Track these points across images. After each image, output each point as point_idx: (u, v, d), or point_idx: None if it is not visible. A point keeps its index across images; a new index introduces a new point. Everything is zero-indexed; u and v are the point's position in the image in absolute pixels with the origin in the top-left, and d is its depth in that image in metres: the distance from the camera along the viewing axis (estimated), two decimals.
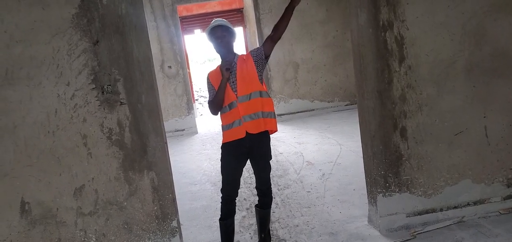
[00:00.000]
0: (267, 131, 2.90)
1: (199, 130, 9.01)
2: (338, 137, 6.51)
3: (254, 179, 3.06)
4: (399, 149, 3.10)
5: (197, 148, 7.38)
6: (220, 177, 2.95)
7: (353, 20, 3.15)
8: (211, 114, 2.91)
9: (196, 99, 13.44)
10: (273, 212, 3.79)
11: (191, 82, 10.31)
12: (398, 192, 3.14)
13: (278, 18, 2.88)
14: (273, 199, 3.73)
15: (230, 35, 2.87)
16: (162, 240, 2.92)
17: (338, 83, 8.75)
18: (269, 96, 2.91)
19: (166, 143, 2.94)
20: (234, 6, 10.37)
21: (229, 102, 2.82)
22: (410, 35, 2.99)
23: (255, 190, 3.05)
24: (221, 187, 2.92)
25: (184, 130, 8.78)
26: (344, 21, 8.39)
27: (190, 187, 5.07)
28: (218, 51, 2.88)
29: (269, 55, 2.89)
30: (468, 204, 3.19)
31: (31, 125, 2.69)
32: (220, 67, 2.85)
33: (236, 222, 3.45)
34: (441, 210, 3.18)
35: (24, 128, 2.69)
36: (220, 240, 3.01)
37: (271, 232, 3.32)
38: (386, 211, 3.15)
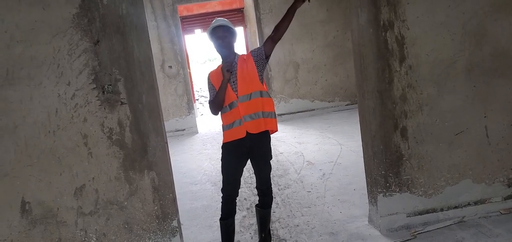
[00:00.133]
0: (268, 130, 2.90)
1: (199, 130, 9.01)
2: (339, 136, 6.52)
3: (254, 179, 3.06)
4: (400, 149, 3.10)
5: (198, 147, 7.39)
6: (221, 177, 2.95)
7: (353, 20, 3.15)
8: (212, 114, 2.91)
9: (197, 99, 13.44)
10: (274, 212, 3.79)
11: (191, 82, 10.31)
12: (398, 191, 3.14)
13: (279, 18, 2.88)
14: (274, 199, 3.73)
15: (231, 35, 2.87)
16: (163, 240, 2.92)
17: (338, 83, 8.75)
18: (270, 96, 2.91)
19: (166, 142, 2.94)
20: (234, 6, 10.36)
21: (230, 102, 2.82)
22: (411, 35, 2.99)
23: (256, 189, 3.05)
24: (221, 186, 2.92)
25: (184, 129, 8.79)
26: (345, 21, 8.39)
27: (191, 186, 5.07)
28: (219, 51, 2.88)
29: (269, 55, 2.89)
30: (469, 204, 3.19)
31: (31, 124, 2.69)
32: (221, 68, 2.85)
33: (236, 221, 3.45)
34: (442, 210, 3.18)
35: (24, 127, 2.69)
36: (220, 240, 3.01)
37: (271, 232, 3.32)
38: (387, 211, 3.15)
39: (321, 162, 5.29)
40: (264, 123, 2.84)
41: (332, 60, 8.67)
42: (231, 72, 2.80)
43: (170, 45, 8.48)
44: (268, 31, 8.30)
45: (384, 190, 3.13)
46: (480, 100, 3.09)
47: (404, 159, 3.10)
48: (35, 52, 2.64)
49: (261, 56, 2.85)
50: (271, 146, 2.98)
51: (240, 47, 11.00)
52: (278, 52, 8.31)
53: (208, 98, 2.97)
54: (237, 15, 10.25)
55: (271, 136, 2.98)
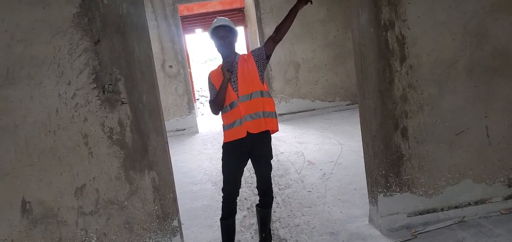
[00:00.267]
0: (268, 130, 2.90)
1: (200, 130, 9.01)
2: (339, 136, 6.51)
3: (255, 179, 3.06)
4: (400, 149, 3.09)
5: (198, 147, 7.39)
6: (221, 177, 2.94)
7: (354, 19, 3.14)
8: (212, 114, 2.91)
9: (197, 99, 13.44)
10: (274, 212, 3.79)
11: (192, 81, 10.31)
12: (399, 191, 3.14)
13: (279, 18, 2.88)
14: (274, 199, 3.74)
15: (233, 35, 2.87)
16: (163, 240, 2.92)
17: (339, 83, 8.75)
18: (270, 96, 2.90)
19: (167, 142, 2.94)
20: (235, 6, 10.36)
21: (230, 102, 2.82)
22: (412, 34, 2.98)
23: (256, 189, 3.05)
24: (222, 186, 2.91)
25: (185, 129, 8.79)
26: (345, 20, 8.39)
27: (191, 186, 5.07)
28: (220, 51, 2.88)
29: (270, 55, 2.88)
30: (469, 204, 3.19)
31: (32, 124, 2.69)
32: (222, 68, 2.85)
33: (237, 221, 3.45)
34: (442, 210, 3.18)
35: (25, 127, 2.69)
36: (221, 240, 3.01)
37: (272, 231, 3.32)
38: (387, 210, 3.15)
39: (322, 161, 5.29)
40: (264, 122, 2.84)
41: (333, 60, 8.66)
42: (232, 72, 2.80)
43: (171, 45, 8.48)
44: (268, 30, 8.30)
45: (385, 190, 3.13)
46: (481, 100, 3.08)
47: (404, 159, 3.10)
48: (35, 51, 2.64)
49: (262, 56, 2.84)
50: (272, 146, 2.98)
51: (240, 46, 11.00)
52: (278, 52, 8.31)
53: (209, 98, 2.96)
54: (238, 14, 10.25)
55: (272, 135, 2.97)
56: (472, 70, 3.05)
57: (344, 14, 8.43)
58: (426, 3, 2.96)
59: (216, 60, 23.64)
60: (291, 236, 3.34)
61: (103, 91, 2.73)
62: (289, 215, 3.75)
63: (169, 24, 8.42)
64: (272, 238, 3.26)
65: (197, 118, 9.62)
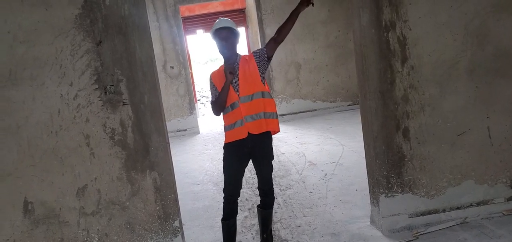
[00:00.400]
0: (269, 131, 2.90)
1: (201, 130, 9.02)
2: (340, 137, 6.51)
3: (256, 179, 3.06)
4: (402, 150, 3.09)
5: (199, 148, 7.39)
6: (222, 177, 2.95)
7: (355, 20, 3.15)
8: (214, 114, 2.91)
9: (198, 100, 13.45)
10: (275, 213, 3.79)
11: (193, 82, 10.32)
12: (400, 192, 3.13)
13: (280, 19, 2.88)
14: (275, 199, 3.74)
15: (235, 36, 2.87)
16: (164, 240, 2.92)
17: (340, 83, 8.74)
18: (271, 97, 2.91)
19: (168, 143, 2.95)
20: (236, 7, 10.37)
21: (231, 103, 2.82)
22: (413, 35, 2.98)
23: (257, 190, 3.05)
24: (223, 187, 2.92)
25: (186, 130, 8.80)
26: (346, 21, 8.39)
27: (192, 187, 5.08)
28: (221, 52, 2.89)
29: (271, 57, 2.89)
30: (471, 205, 3.18)
31: (34, 125, 2.70)
32: (224, 70, 2.86)
33: (238, 222, 3.45)
34: (444, 211, 3.18)
35: (27, 128, 2.70)
36: (222, 240, 3.01)
37: (273, 232, 3.32)
38: (389, 211, 3.15)
39: (323, 162, 5.29)
40: (265, 123, 2.84)
41: (334, 60, 8.66)
42: (234, 75, 2.80)
43: (172, 46, 8.50)
44: (269, 31, 8.31)
45: (386, 191, 3.13)
46: (483, 101, 3.08)
47: (406, 159, 3.10)
48: (37, 52, 2.65)
49: (263, 57, 2.85)
50: (273, 146, 2.98)
51: (241, 47, 11.02)
52: (279, 53, 8.31)
53: (210, 99, 2.97)
54: (239, 15, 10.25)
55: (273, 136, 2.98)
56: (474, 71, 3.04)
57: (345, 15, 8.43)
58: (427, 3, 2.96)
59: (217, 61, 23.66)
60: (292, 237, 3.34)
61: (105, 92, 2.74)
62: (290, 216, 3.75)
63: (171, 25, 8.43)
64: (273, 239, 3.26)
65: (198, 119, 9.62)
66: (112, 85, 2.74)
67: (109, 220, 2.85)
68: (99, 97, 2.74)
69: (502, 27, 3.02)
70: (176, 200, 2.97)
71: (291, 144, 6.55)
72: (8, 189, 2.73)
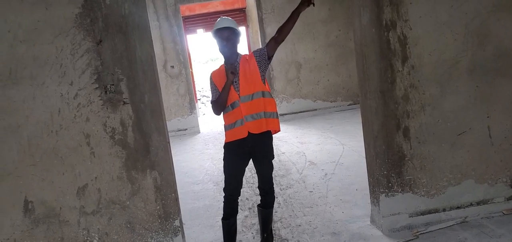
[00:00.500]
0: (270, 130, 2.90)
1: (201, 130, 9.02)
2: (341, 136, 6.51)
3: (256, 179, 3.06)
4: (402, 149, 3.09)
5: (200, 147, 7.39)
6: (223, 177, 2.95)
7: (356, 19, 3.14)
8: (214, 114, 2.91)
9: (199, 99, 13.45)
10: (276, 212, 3.79)
11: (193, 82, 10.31)
12: (400, 192, 3.13)
13: (281, 18, 2.88)
14: (276, 199, 3.74)
15: (236, 36, 2.87)
16: (165, 239, 2.92)
17: (340, 83, 8.74)
18: (272, 97, 2.91)
19: (168, 142, 2.95)
20: (236, 6, 10.36)
21: (232, 102, 2.82)
22: (413, 35, 2.98)
23: (258, 189, 3.05)
24: (223, 186, 2.92)
25: (186, 129, 8.80)
26: (347, 20, 8.38)
27: (193, 186, 5.08)
28: (222, 52, 2.88)
29: (272, 56, 2.89)
30: (471, 205, 3.18)
31: (34, 124, 2.70)
32: (225, 69, 2.85)
33: (238, 221, 3.45)
34: (444, 210, 3.17)
35: (27, 127, 2.70)
36: (222, 240, 3.01)
37: (273, 231, 3.32)
38: (389, 211, 3.15)
39: (323, 162, 5.29)
40: (265, 123, 2.84)
41: (334, 60, 8.66)
42: (235, 74, 2.80)
43: (172, 45, 8.49)
44: (270, 30, 8.30)
45: (386, 190, 3.13)
46: (483, 101, 3.08)
47: (406, 159, 3.10)
48: (38, 52, 2.65)
49: (264, 56, 2.85)
50: (273, 146, 2.98)
51: (242, 47, 11.02)
52: (280, 52, 8.30)
53: (210, 98, 2.97)
54: (239, 14, 10.24)
55: (274, 135, 2.98)
56: (474, 70, 3.04)
57: (346, 14, 8.43)
58: (427, 3, 2.96)
59: (217, 60, 23.65)
60: (292, 236, 3.34)
61: (105, 92, 2.74)
62: (290, 215, 3.75)
63: (171, 25, 8.43)
64: (274, 238, 3.26)
65: (198, 118, 9.62)
66: (113, 85, 2.74)
67: (109, 219, 2.85)
68: (99, 96, 2.74)
69: (503, 27, 3.01)
70: (177, 199, 2.97)
71: (292, 144, 6.55)
72: (8, 188, 2.73)
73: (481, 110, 3.09)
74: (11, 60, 2.64)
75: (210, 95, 2.98)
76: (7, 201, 2.74)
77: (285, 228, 3.51)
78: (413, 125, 3.07)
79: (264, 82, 2.87)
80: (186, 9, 10.00)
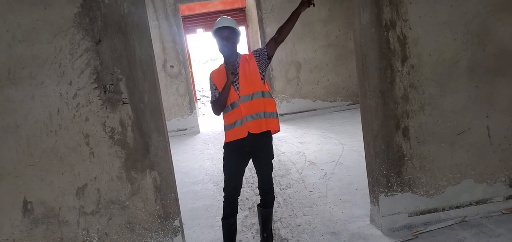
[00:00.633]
0: (269, 130, 2.90)
1: (201, 129, 9.01)
2: (341, 136, 6.51)
3: (256, 178, 3.06)
4: (402, 149, 3.09)
5: (199, 147, 7.39)
6: (222, 176, 2.95)
7: (355, 19, 3.14)
8: (214, 114, 2.91)
9: (198, 99, 13.45)
10: (275, 212, 3.79)
11: (193, 81, 10.31)
12: (400, 191, 3.13)
13: (281, 18, 2.88)
14: (275, 199, 3.73)
15: (236, 36, 2.87)
16: (165, 239, 2.92)
17: (340, 83, 8.74)
18: (272, 97, 2.91)
19: (168, 142, 2.94)
20: (236, 6, 10.36)
21: (232, 102, 2.82)
22: (413, 34, 2.98)
23: (257, 189, 3.05)
24: (223, 186, 2.91)
25: (186, 129, 8.79)
26: (347, 20, 8.38)
27: (193, 186, 5.08)
28: (222, 51, 2.88)
29: (272, 56, 2.89)
30: (470, 204, 3.18)
31: (33, 124, 2.70)
32: (225, 69, 2.85)
33: (238, 221, 3.45)
34: (443, 209, 3.17)
35: (26, 127, 2.69)
36: (222, 240, 3.01)
37: (273, 231, 3.32)
38: (388, 210, 3.14)
39: (323, 161, 5.29)
40: (265, 123, 2.84)
41: (334, 59, 8.66)
42: (235, 75, 2.80)
43: (172, 45, 8.49)
44: (270, 30, 8.30)
45: (386, 190, 3.13)
46: (482, 100, 3.08)
47: (406, 158, 3.10)
48: (36, 51, 2.65)
49: (264, 56, 2.85)
50: (273, 146, 2.98)
51: (242, 46, 11.01)
52: (280, 52, 8.29)
53: (210, 98, 2.96)
54: (239, 14, 10.24)
55: (273, 135, 2.97)
56: (474, 70, 3.04)
57: (345, 14, 8.42)
58: (427, 3, 2.95)
59: (217, 60, 23.65)
60: (292, 236, 3.34)
61: (105, 91, 2.74)
62: (290, 215, 3.75)
63: (171, 24, 8.42)
64: (274, 238, 3.26)
65: (198, 118, 9.62)
66: (112, 84, 2.73)
67: (109, 219, 2.85)
68: (98, 96, 2.74)
69: (502, 26, 3.01)
70: (176, 199, 2.96)
71: (291, 143, 6.55)
72: (8, 188, 2.73)
73: (480, 110, 3.09)
74: (10, 60, 2.63)
75: (210, 95, 2.98)
76: (6, 201, 2.74)
77: (285, 227, 3.51)
78: (412, 125, 3.07)
79: (264, 82, 2.87)
80: (185, 9, 10.00)
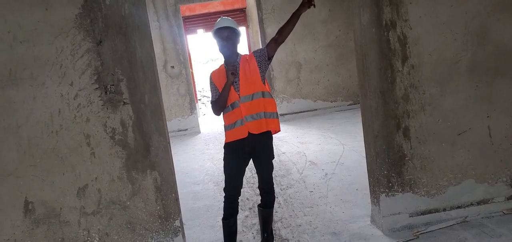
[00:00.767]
0: (270, 131, 2.90)
1: (201, 130, 9.02)
2: (341, 136, 6.51)
3: (256, 179, 3.06)
4: (402, 149, 3.09)
5: (200, 147, 7.39)
6: (223, 177, 2.95)
7: (356, 19, 3.14)
8: (214, 114, 2.91)
9: (199, 99, 13.45)
10: (276, 212, 3.79)
11: (193, 82, 10.31)
12: (401, 192, 3.13)
13: (281, 18, 2.89)
14: (276, 199, 3.74)
15: (236, 36, 2.87)
16: (165, 240, 2.92)
17: (341, 83, 8.74)
18: (272, 97, 2.91)
19: (169, 142, 2.95)
20: (236, 6, 10.36)
21: (232, 102, 2.82)
22: (413, 34, 2.98)
23: (258, 189, 3.05)
24: (224, 186, 2.92)
25: (187, 129, 8.80)
26: (347, 20, 8.38)
27: (193, 186, 5.08)
28: (222, 51, 2.89)
29: (272, 57, 2.89)
30: (471, 204, 3.18)
31: (34, 124, 2.70)
32: (226, 70, 2.86)
33: (239, 221, 3.45)
34: (444, 210, 3.17)
35: (27, 127, 2.70)
36: (222, 240, 3.01)
37: (274, 231, 3.32)
38: (389, 211, 3.15)
39: (324, 162, 5.29)
40: (265, 123, 2.84)
41: (335, 60, 8.66)
42: (235, 75, 2.80)
43: (173, 45, 8.50)
44: (270, 31, 8.30)
45: (387, 190, 3.13)
46: (483, 100, 3.08)
47: (406, 159, 3.10)
48: (38, 52, 2.65)
49: (264, 57, 2.85)
50: (274, 146, 2.98)
51: (242, 47, 11.01)
52: (280, 52, 8.31)
53: (210, 99, 2.97)
54: (239, 15, 10.25)
55: (274, 135, 2.98)
56: (474, 70, 3.04)
57: (346, 14, 8.43)
58: (427, 3, 2.96)
59: (218, 60, 23.65)
60: (293, 236, 3.34)
61: (106, 92, 2.74)
62: (291, 215, 3.75)
63: (171, 25, 8.43)
64: (274, 238, 3.26)
65: (199, 118, 9.63)
66: (113, 85, 2.74)
67: (109, 219, 2.85)
68: (99, 97, 2.74)
69: (503, 26, 3.01)
70: (177, 199, 2.97)
71: (292, 144, 6.55)
72: (9, 188, 2.73)
73: (481, 110, 3.09)
74: (11, 61, 2.64)
75: (210, 96, 2.98)
76: (7, 202, 2.74)
77: (285, 228, 3.51)
78: (413, 125, 3.07)
79: (264, 83, 2.87)
80: (186, 9, 10.00)
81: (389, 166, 3.10)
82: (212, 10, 10.19)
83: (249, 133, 2.80)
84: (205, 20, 10.25)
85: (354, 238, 3.17)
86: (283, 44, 2.95)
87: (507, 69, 3.05)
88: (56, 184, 2.77)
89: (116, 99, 2.75)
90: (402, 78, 3.02)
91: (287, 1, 8.02)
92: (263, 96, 2.83)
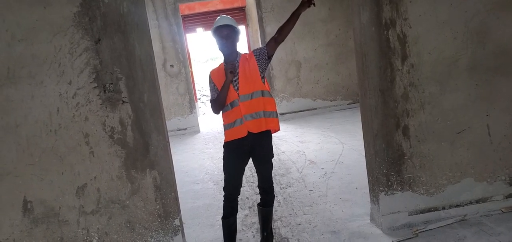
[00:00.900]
0: (269, 130, 2.90)
1: (201, 129, 9.01)
2: (341, 135, 6.51)
3: (256, 178, 3.06)
4: (402, 148, 3.09)
5: (200, 146, 7.39)
6: (223, 176, 2.94)
7: (355, 18, 3.14)
8: (213, 113, 2.91)
9: (198, 98, 13.45)
10: (276, 211, 3.79)
11: (193, 81, 10.31)
12: (400, 190, 3.13)
13: (281, 17, 2.89)
14: (276, 198, 3.73)
15: (235, 34, 2.87)
16: (165, 239, 2.92)
17: (340, 82, 8.74)
18: (271, 96, 2.90)
19: (168, 141, 2.94)
20: (236, 5, 10.35)
21: (231, 101, 2.82)
22: (413, 33, 2.98)
23: (258, 188, 3.05)
24: (223, 185, 2.91)
25: (186, 128, 8.80)
26: (347, 19, 8.38)
27: (193, 185, 5.08)
28: (221, 50, 2.88)
29: (272, 56, 2.88)
30: (470, 203, 3.18)
31: (33, 123, 2.70)
32: (225, 69, 2.85)
33: (238, 220, 3.45)
34: (443, 208, 3.17)
35: (26, 126, 2.69)
36: (222, 239, 3.01)
37: (273, 230, 3.32)
38: (388, 209, 3.14)
39: (323, 160, 5.29)
40: (265, 122, 2.84)
41: (334, 59, 8.66)
42: (235, 74, 2.79)
43: (172, 44, 8.49)
44: (269, 29, 8.29)
45: (386, 189, 3.13)
46: (482, 99, 3.07)
47: (406, 157, 3.10)
48: (36, 51, 2.64)
49: (264, 56, 2.84)
50: (273, 145, 2.98)
51: (241, 45, 11.00)
52: (280, 51, 8.28)
53: (210, 97, 2.97)
54: (239, 13, 10.24)
55: (273, 134, 2.97)
56: (474, 68, 3.04)
57: (345, 13, 8.43)
58: (427, 1, 2.95)
59: (217, 59, 23.62)
60: (292, 235, 3.34)
61: (104, 91, 2.73)
62: (290, 214, 3.75)
63: (170, 23, 8.42)
64: (274, 237, 3.26)
65: (198, 117, 9.63)
66: (111, 84, 2.73)
67: (109, 219, 2.85)
68: (98, 95, 2.74)
69: (502, 25, 3.01)
70: (176, 198, 2.96)
71: (292, 143, 6.55)
72: (7, 188, 2.73)
73: (480, 109, 3.09)
74: (9, 59, 2.63)
75: (210, 94, 2.98)
76: (6, 201, 2.74)
77: (285, 226, 3.51)
78: (412, 124, 3.07)
79: (264, 82, 2.87)
80: (185, 8, 9.99)
81: (388, 164, 3.10)
82: (212, 9, 10.18)
83: (248, 132, 2.80)
84: (204, 18, 10.24)
85: (353, 236, 3.17)
86: (282, 43, 2.95)
87: (506, 68, 3.05)
88: (55, 183, 2.76)
89: (115, 98, 2.75)
90: (401, 77, 3.01)
91: (286, 0, 8.02)
92: (262, 95, 2.83)
